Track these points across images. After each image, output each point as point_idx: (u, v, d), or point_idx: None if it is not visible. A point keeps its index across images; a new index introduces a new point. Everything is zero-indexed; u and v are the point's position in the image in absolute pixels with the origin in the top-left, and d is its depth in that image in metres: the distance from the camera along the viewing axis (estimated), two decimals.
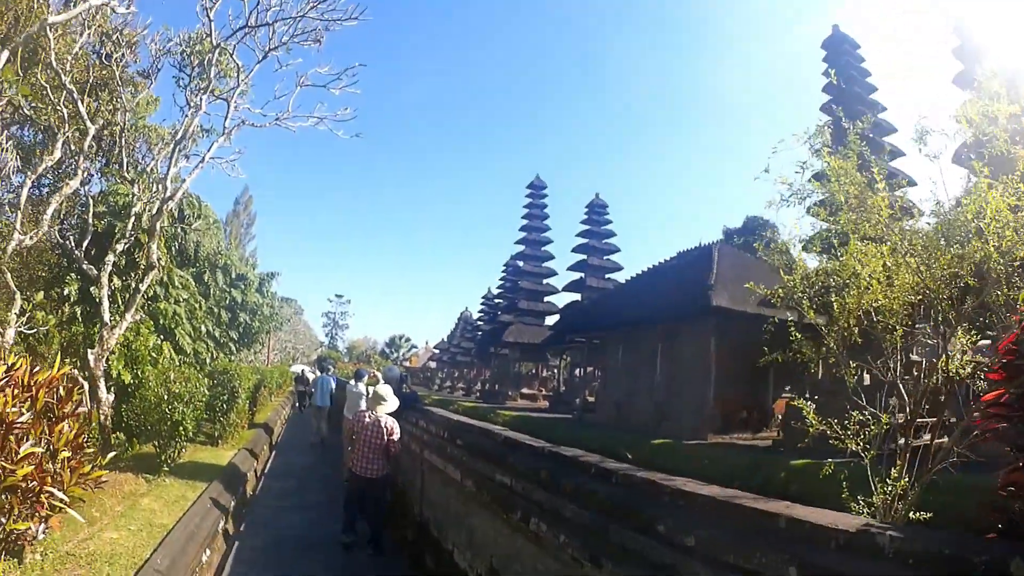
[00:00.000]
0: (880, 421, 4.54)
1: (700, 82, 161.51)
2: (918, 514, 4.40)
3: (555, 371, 42.20)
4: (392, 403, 9.12)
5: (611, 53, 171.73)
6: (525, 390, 37.78)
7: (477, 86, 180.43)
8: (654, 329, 20.81)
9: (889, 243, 5.28)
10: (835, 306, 5.15)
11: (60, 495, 4.92)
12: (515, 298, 41.50)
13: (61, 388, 5.56)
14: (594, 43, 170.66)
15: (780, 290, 5.40)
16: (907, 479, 4.48)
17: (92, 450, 5.99)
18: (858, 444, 4.58)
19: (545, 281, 41.81)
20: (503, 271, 49.10)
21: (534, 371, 42.84)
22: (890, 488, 4.42)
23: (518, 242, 42.77)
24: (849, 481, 4.92)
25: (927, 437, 5.00)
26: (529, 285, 40.93)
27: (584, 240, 38.92)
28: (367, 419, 8.82)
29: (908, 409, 4.90)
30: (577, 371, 37.49)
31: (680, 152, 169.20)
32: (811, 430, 4.79)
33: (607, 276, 38.27)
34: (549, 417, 25.82)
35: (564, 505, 3.78)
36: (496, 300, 51.95)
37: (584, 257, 38.62)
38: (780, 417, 18.08)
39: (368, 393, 11.96)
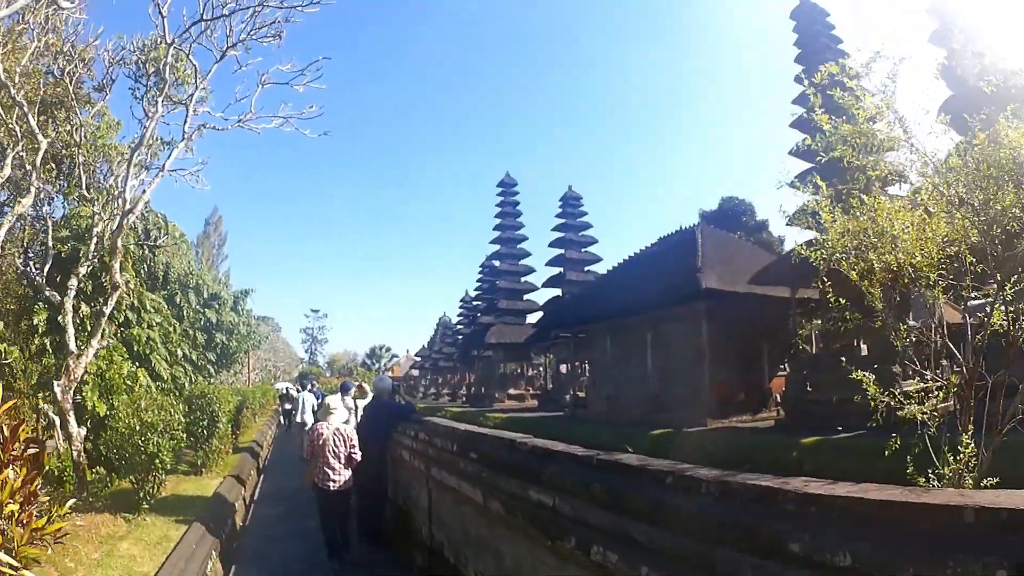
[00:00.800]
0: (946, 386, 4.10)
1: (668, 65, 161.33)
2: (986, 481, 3.99)
3: (540, 369, 41.71)
4: (341, 413, 9.12)
5: (578, 40, 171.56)
6: (512, 391, 37.26)
7: (441, 84, 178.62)
8: (642, 317, 20.48)
9: (923, 189, 4.89)
10: (875, 265, 4.71)
11: (9, 560, 4.06)
12: (494, 299, 40.95)
13: (6, 428, 4.64)
14: (561, 30, 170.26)
15: (820, 252, 4.95)
16: (971, 445, 4.05)
17: (47, 499, 5.10)
18: (923, 413, 4.13)
19: (523, 279, 41.35)
20: (480, 272, 48.54)
21: (519, 371, 42.30)
22: (961, 456, 3.98)
23: (493, 241, 42.29)
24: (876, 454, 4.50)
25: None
26: (507, 284, 40.44)
27: (560, 234, 38.54)
28: (324, 431, 8.56)
29: (965, 369, 4.48)
30: (563, 367, 37.06)
31: (649, 137, 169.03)
32: (872, 404, 4.33)
33: (586, 269, 37.93)
34: (540, 416, 25.41)
35: (634, 527, 3.12)
36: (475, 302, 51.41)
37: (562, 251, 38.23)
38: (778, 396, 17.81)
39: (356, 407, 11.44)
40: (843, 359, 7.06)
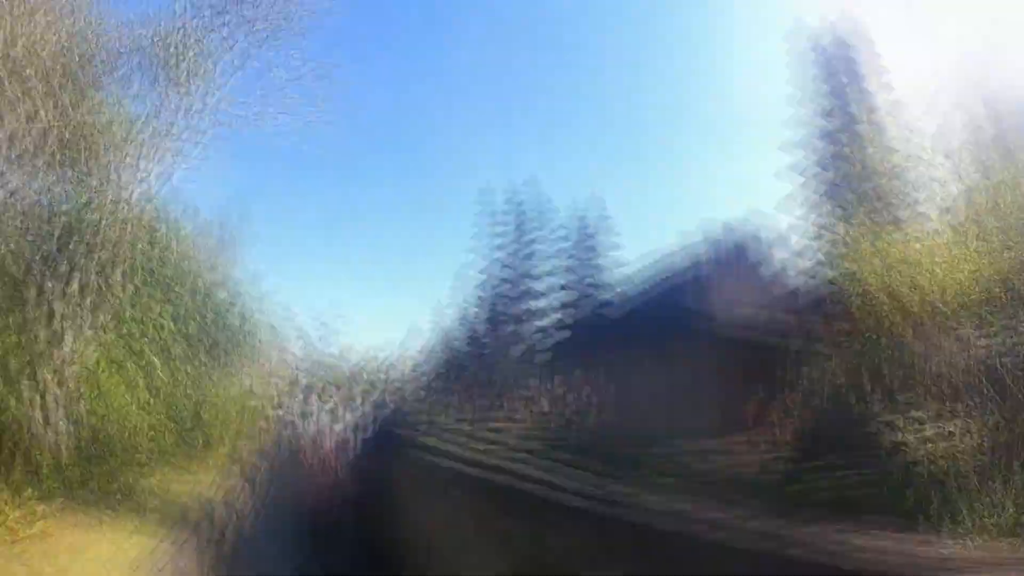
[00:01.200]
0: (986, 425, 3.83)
1: (671, 90, 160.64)
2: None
3: (538, 392, 41.17)
4: (328, 420, 8.92)
5: (590, 56, 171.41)
6: (508, 411, 36.76)
7: (458, 90, 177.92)
8: (643, 343, 20.19)
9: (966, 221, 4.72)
10: (908, 299, 4.49)
11: None
12: (496, 316, 40.46)
13: None
14: (575, 45, 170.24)
15: (854, 275, 4.72)
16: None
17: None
18: (955, 456, 3.87)
19: (527, 299, 40.86)
20: (481, 290, 48.02)
21: (516, 391, 41.68)
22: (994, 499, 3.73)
23: (497, 258, 41.75)
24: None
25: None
26: (510, 303, 39.97)
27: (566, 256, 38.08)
28: (306, 438, 8.33)
29: (999, 412, 4.23)
30: (560, 391, 36.58)
31: (655, 162, 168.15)
32: (900, 444, 4.06)
33: (590, 292, 37.47)
34: (538, 440, 24.99)
35: None
36: (475, 319, 50.87)
37: (567, 272, 37.78)
38: (779, 430, 17.47)
39: (346, 418, 11.28)
40: (869, 400, 6.81)
